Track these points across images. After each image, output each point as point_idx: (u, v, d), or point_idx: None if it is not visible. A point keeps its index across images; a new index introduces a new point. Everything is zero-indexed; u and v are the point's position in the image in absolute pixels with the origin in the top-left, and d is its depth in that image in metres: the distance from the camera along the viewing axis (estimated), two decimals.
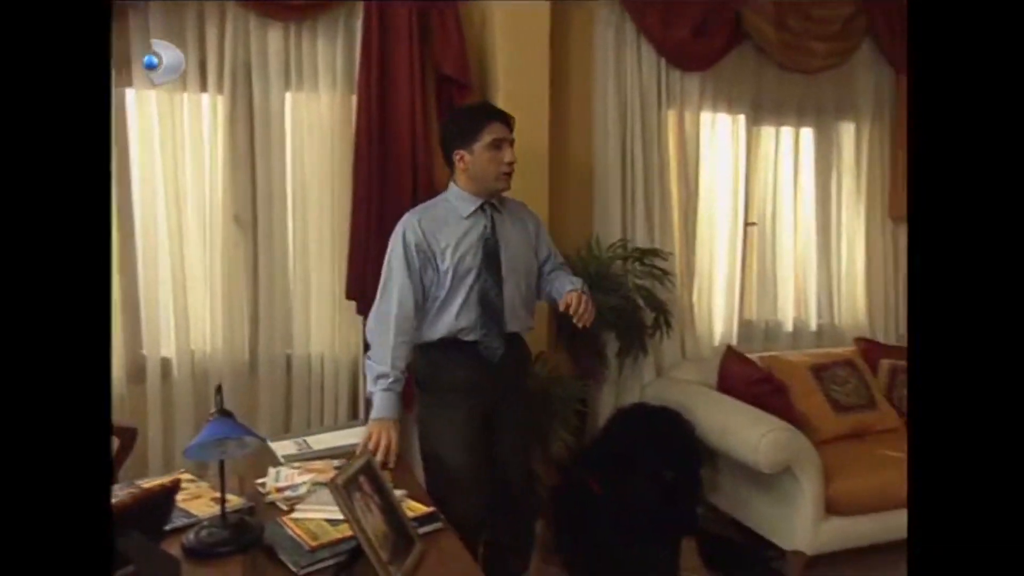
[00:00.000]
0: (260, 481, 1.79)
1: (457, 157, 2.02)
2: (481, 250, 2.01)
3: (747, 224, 3.32)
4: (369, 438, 1.91)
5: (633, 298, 2.90)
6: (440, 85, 2.70)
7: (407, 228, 2.02)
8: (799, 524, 2.56)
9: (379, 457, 1.84)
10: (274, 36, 2.57)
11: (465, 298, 2.00)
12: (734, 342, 3.31)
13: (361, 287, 2.69)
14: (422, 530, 1.55)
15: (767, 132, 3.34)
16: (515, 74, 2.75)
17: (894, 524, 2.67)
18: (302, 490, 1.71)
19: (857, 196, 3.46)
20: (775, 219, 3.40)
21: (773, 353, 3.25)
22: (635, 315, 2.91)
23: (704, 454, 2.70)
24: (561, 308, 2.03)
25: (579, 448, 2.74)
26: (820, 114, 3.36)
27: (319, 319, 2.78)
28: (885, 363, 3.28)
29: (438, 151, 2.74)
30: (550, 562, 2.58)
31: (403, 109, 2.62)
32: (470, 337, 2.01)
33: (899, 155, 3.41)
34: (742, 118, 3.25)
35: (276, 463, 1.91)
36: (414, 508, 1.62)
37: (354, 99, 2.65)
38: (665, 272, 2.96)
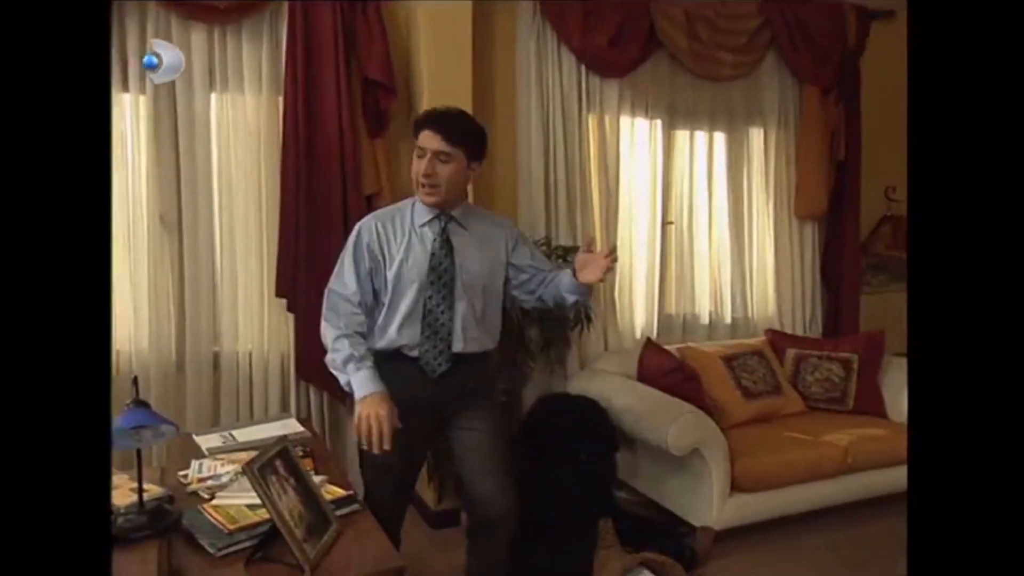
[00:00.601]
0: (183, 473, 1.85)
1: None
2: (427, 263, 1.91)
3: (665, 223, 3.50)
4: (359, 421, 1.78)
5: None
6: (366, 88, 2.78)
7: (363, 227, 1.97)
8: (707, 502, 2.74)
9: (375, 434, 1.75)
10: (198, 37, 2.61)
11: (409, 312, 1.91)
12: (654, 335, 3.49)
13: (291, 285, 2.75)
14: (340, 512, 1.64)
15: (682, 136, 3.53)
16: (439, 77, 2.85)
17: (795, 499, 2.91)
18: (224, 479, 1.77)
19: (766, 196, 3.69)
20: (691, 218, 3.59)
21: (690, 344, 3.45)
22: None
23: (621, 439, 2.87)
24: (581, 256, 1.91)
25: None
26: (731, 119, 3.58)
27: (248, 317, 2.82)
28: (791, 352, 3.52)
29: (366, 152, 2.83)
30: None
31: (330, 111, 2.68)
32: (412, 353, 1.93)
33: (803, 158, 3.66)
34: (659, 122, 3.43)
35: (201, 456, 1.96)
36: (333, 491, 1.71)
37: (280, 101, 2.70)
38: None
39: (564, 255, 3.09)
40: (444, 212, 1.95)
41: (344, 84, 2.68)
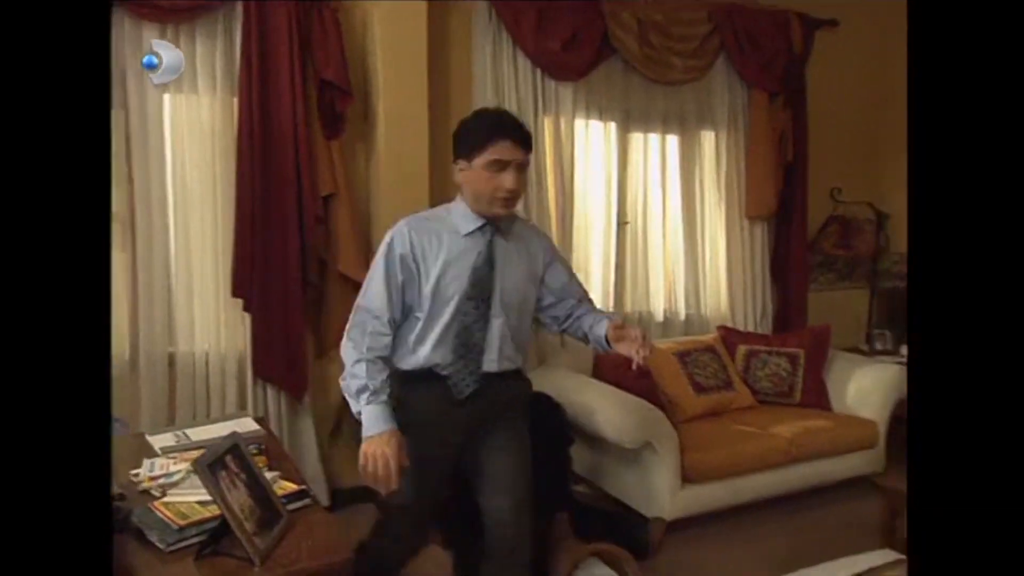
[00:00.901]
0: (135, 472, 1.85)
1: (457, 168, 1.79)
2: (469, 277, 1.77)
3: (620, 223, 3.59)
4: (365, 461, 1.68)
5: None
6: (322, 89, 2.80)
7: (396, 236, 1.78)
8: (659, 493, 2.83)
9: (381, 475, 1.67)
10: (150, 37, 2.59)
11: (445, 328, 1.77)
12: None
13: (247, 285, 2.76)
14: (292, 506, 1.67)
15: (637, 138, 3.62)
16: (394, 78, 2.89)
17: (743, 489, 3.01)
18: (176, 477, 1.78)
19: (718, 197, 3.80)
20: (646, 218, 3.69)
21: None
22: None
23: (578, 435, 2.94)
24: (612, 334, 1.80)
25: None
26: (683, 123, 3.68)
27: (203, 317, 2.82)
28: (742, 348, 3.63)
29: (322, 153, 2.85)
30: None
31: (285, 112, 2.70)
32: (442, 372, 1.79)
33: (752, 160, 3.78)
34: (613, 125, 3.51)
35: (154, 455, 1.96)
36: (285, 487, 1.73)
37: (235, 101, 2.71)
38: None
39: None
40: (491, 221, 1.79)
41: (299, 85, 2.70)
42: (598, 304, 3.51)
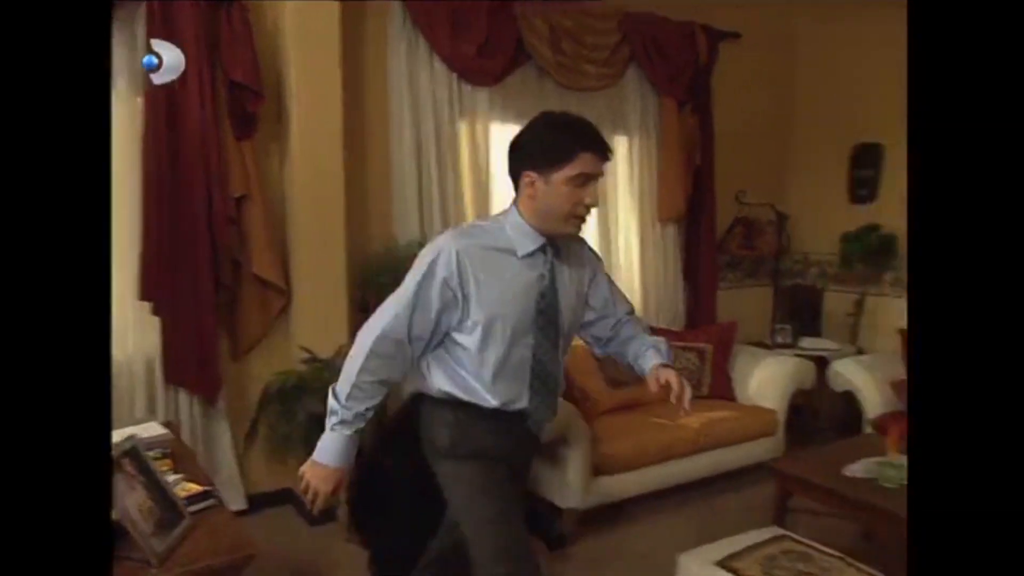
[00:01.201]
0: None
1: (526, 180, 1.56)
2: (536, 305, 1.58)
3: None
4: (303, 486, 1.61)
5: None
6: (232, 91, 2.78)
7: (441, 257, 1.53)
8: (572, 485, 2.94)
9: (310, 504, 1.62)
10: None
11: (502, 361, 1.58)
12: None
13: (155, 289, 2.71)
14: (196, 507, 1.67)
15: None
16: (307, 79, 2.89)
17: (653, 478, 3.16)
18: None
19: (631, 200, 3.96)
20: None
21: None
22: None
23: None
24: (653, 388, 1.68)
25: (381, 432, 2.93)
26: (597, 128, 3.80)
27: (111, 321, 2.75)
28: None
29: (232, 155, 2.83)
30: (352, 541, 2.76)
31: (193, 113, 2.67)
32: (515, 407, 1.63)
33: (663, 165, 3.95)
34: None
35: None
36: (189, 488, 1.74)
37: (140, 101, 2.66)
38: None
39: None
40: (550, 241, 1.60)
41: (208, 86, 2.67)
42: None
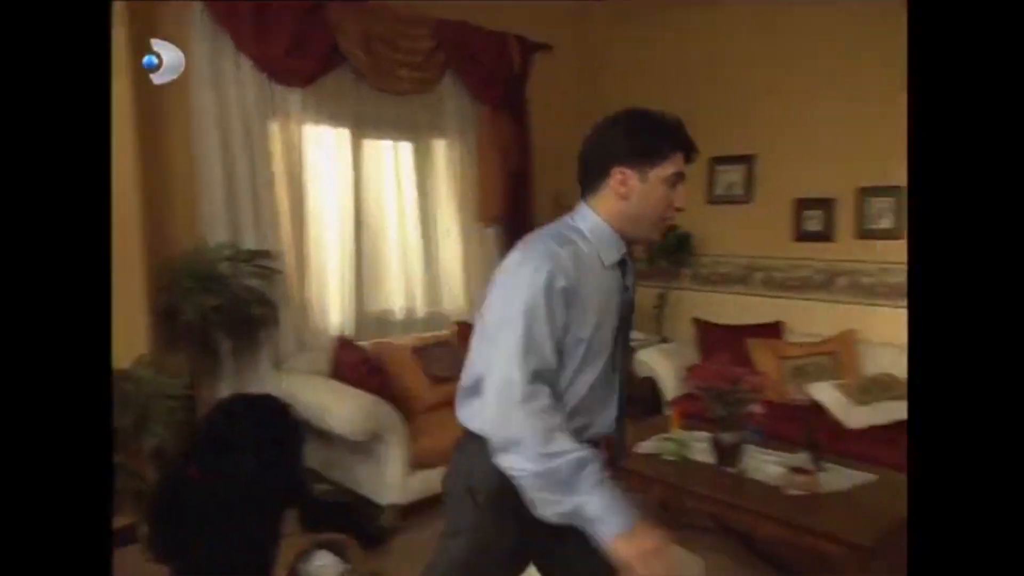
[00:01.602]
0: None
1: (618, 177, 1.37)
2: (620, 320, 1.42)
3: (357, 225, 3.71)
4: (644, 565, 1.19)
5: (242, 297, 3.08)
6: None
7: (555, 265, 1.29)
8: (391, 480, 3.00)
9: None
10: None
11: (592, 385, 1.39)
12: (353, 332, 3.68)
13: None
14: None
15: (371, 144, 3.77)
16: None
17: None
18: None
19: (452, 202, 4.09)
20: (383, 221, 3.85)
21: (385, 339, 3.70)
22: (245, 313, 3.09)
23: (313, 433, 3.01)
24: None
25: (185, 442, 2.82)
26: (416, 131, 3.91)
27: None
28: None
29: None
30: (153, 560, 2.63)
31: None
32: (605, 432, 1.43)
33: (482, 168, 4.12)
34: (346, 131, 3.61)
35: None
36: None
37: None
38: (275, 271, 3.19)
39: (249, 259, 3.13)
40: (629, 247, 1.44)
41: None
42: (337, 306, 3.68)
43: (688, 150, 1.41)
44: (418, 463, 3.08)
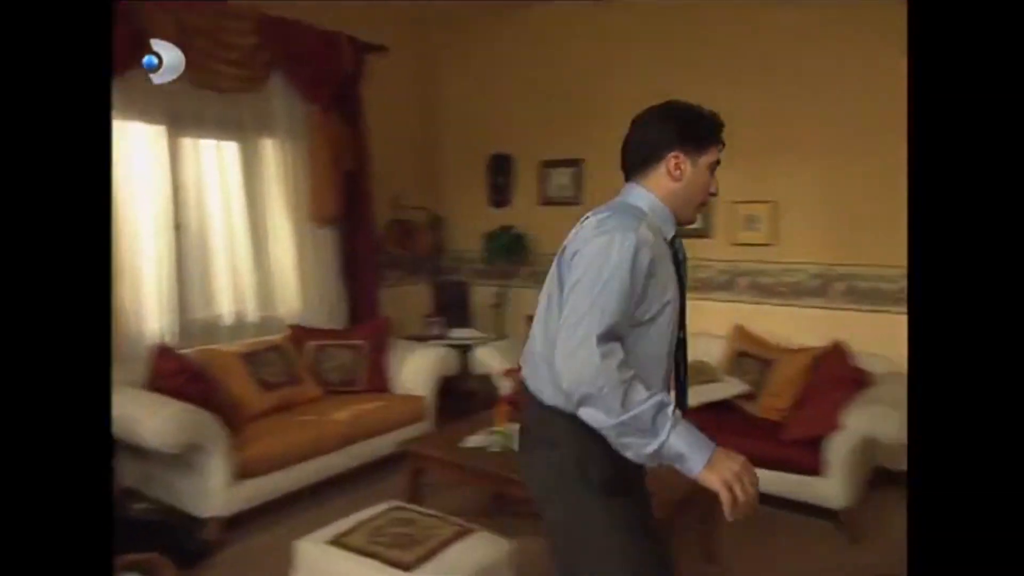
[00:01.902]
0: None
1: (673, 160, 1.49)
2: (679, 292, 1.51)
3: (175, 227, 3.52)
4: (734, 492, 1.28)
5: None
6: None
7: (641, 242, 1.37)
8: (213, 492, 2.89)
9: (754, 496, 1.31)
10: None
11: (658, 365, 1.49)
12: (176, 339, 3.49)
13: None
14: None
15: (190, 143, 3.59)
16: None
17: (301, 475, 3.24)
18: None
19: (283, 203, 3.98)
20: (206, 222, 3.68)
21: (210, 346, 3.54)
22: None
23: (124, 449, 2.83)
24: None
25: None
26: (242, 130, 3.77)
27: None
28: (311, 344, 3.88)
29: None
30: None
31: None
32: None
33: (313, 168, 4.04)
34: (162, 129, 3.42)
35: None
36: None
37: None
38: None
39: None
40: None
41: None
42: (156, 312, 3.47)
43: (720, 143, 1.54)
44: (246, 472, 2.99)
